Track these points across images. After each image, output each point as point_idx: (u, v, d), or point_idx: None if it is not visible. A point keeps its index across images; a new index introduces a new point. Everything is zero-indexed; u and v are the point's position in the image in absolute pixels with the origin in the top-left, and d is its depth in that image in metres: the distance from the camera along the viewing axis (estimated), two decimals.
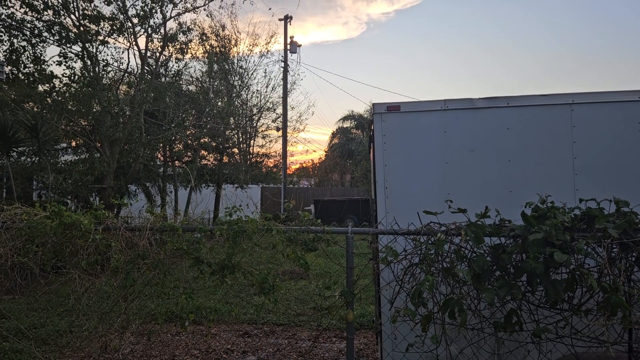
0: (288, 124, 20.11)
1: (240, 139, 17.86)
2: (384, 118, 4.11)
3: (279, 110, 19.70)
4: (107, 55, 19.89)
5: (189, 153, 14.37)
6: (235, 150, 17.35)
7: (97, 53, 8.80)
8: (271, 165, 18.97)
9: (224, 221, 3.49)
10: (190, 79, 14.15)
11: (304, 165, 40.65)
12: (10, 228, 3.33)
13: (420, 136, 4.03)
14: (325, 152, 36.10)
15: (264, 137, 17.89)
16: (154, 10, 9.30)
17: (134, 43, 9.43)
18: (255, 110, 17.69)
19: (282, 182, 22.23)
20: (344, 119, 35.02)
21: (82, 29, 8.73)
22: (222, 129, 13.45)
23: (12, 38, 8.38)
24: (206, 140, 14.23)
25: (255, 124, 18.25)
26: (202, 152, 15.24)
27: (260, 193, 23.26)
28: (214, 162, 15.80)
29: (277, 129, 18.48)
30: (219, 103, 14.58)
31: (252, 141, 18.87)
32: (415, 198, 3.83)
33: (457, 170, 3.89)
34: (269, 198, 23.45)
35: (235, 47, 16.49)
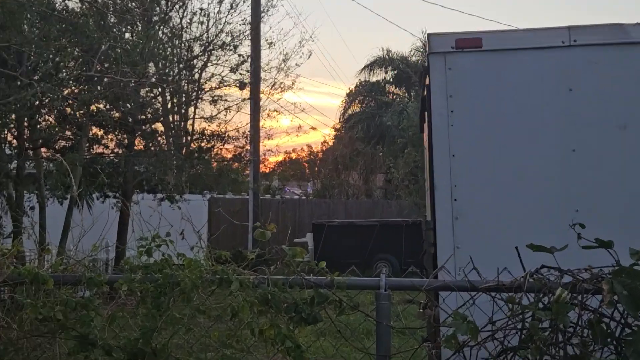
0: (263, 75, 20.18)
1: (171, 106, 17.93)
2: (451, 62, 4.12)
3: (247, 49, 19.77)
4: None
5: (68, 133, 14.41)
6: (160, 127, 17.41)
7: None
8: (230, 156, 19.03)
9: (136, 265, 3.49)
10: None
11: (295, 156, 40.91)
12: None
13: (520, 97, 4.03)
14: (336, 130, 36.28)
15: (214, 101, 17.93)
16: None
17: None
18: (198, 49, 17.78)
19: (251, 189, 22.31)
20: (371, 66, 35.25)
21: None
22: (133, 85, 13.48)
23: None
24: (102, 107, 14.27)
25: (198, 76, 18.31)
26: (95, 130, 15.27)
27: (209, 210, 23.32)
28: (117, 150, 15.84)
29: (241, 85, 18.51)
30: (127, 35, 14.63)
31: (192, 110, 18.94)
32: (510, 218, 3.89)
33: (594, 163, 3.90)
34: (226, 219, 23.46)
35: None
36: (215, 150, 18.31)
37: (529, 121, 4.16)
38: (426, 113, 4.55)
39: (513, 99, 4.15)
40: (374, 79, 35.72)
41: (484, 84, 4.18)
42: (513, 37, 4.21)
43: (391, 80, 35.73)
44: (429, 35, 4.14)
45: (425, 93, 4.86)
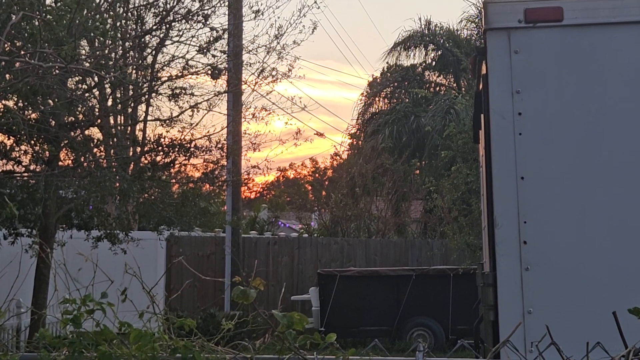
0: (246, 58, 20.18)
1: (112, 103, 17.94)
2: (519, 42, 4.24)
3: (222, 20, 19.83)
4: None
5: None
6: (97, 133, 17.44)
7: None
8: (198, 174, 19.06)
9: (58, 340, 3.50)
10: None
11: (293, 174, 40.99)
12: None
13: (623, 94, 4.09)
14: (351, 136, 36.20)
15: (175, 96, 18.00)
16: None
17: None
18: (152, 20, 17.86)
19: (228, 223, 22.29)
20: (405, 44, 35.31)
21: None
22: (58, 73, 13.55)
23: None
24: (12, 105, 14.33)
25: (152, 60, 18.38)
26: (2, 138, 15.30)
27: (167, 254, 23.29)
28: (34, 167, 15.87)
29: (215, 73, 18.54)
30: (49, 0, 14.73)
31: (143, 108, 18.94)
32: (603, 270, 3.96)
33: None
34: (191, 268, 23.37)
35: None
36: (177, 166, 18.35)
37: (636, 130, 4.14)
38: (482, 116, 4.54)
39: (612, 96, 4.13)
40: (407, 62, 35.87)
41: (567, 75, 4.18)
42: (610, 6, 4.20)
43: (433, 64, 35.86)
44: (486, 3, 4.13)
45: (480, 87, 4.85)
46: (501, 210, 4.16)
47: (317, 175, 38.59)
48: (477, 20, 34.54)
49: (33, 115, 14.97)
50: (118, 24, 16.76)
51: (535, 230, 4.11)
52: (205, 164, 18.92)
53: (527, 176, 4.14)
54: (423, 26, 35.22)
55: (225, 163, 19.77)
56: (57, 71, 13.04)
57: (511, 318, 3.97)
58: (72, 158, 16.25)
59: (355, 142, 36.42)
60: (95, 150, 17.15)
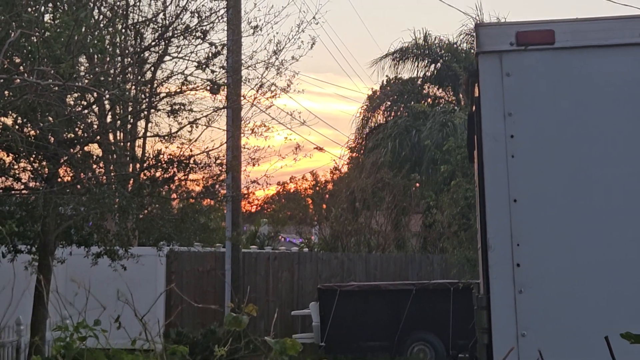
0: (245, 74, 20.18)
1: (112, 119, 17.94)
2: (510, 64, 4.24)
3: (221, 36, 19.85)
4: None
5: None
6: (96, 149, 17.42)
7: None
8: (198, 188, 19.06)
9: None
10: None
11: (294, 186, 40.92)
12: None
13: (616, 116, 4.02)
14: (351, 150, 36.21)
15: (174, 112, 18.01)
16: None
17: None
18: (151, 36, 17.88)
19: (228, 239, 22.28)
20: (401, 55, 35.30)
21: None
22: (57, 90, 13.56)
23: None
24: (10, 122, 14.32)
25: (152, 76, 18.39)
26: (0, 155, 15.30)
27: (167, 269, 23.27)
28: (33, 184, 15.87)
29: (214, 88, 18.55)
30: (48, 18, 14.74)
31: (142, 124, 18.94)
32: (597, 294, 3.92)
33: None
34: (192, 282, 23.42)
35: None
36: (176, 182, 18.33)
37: (631, 154, 4.13)
38: (475, 137, 4.54)
39: (604, 118, 4.13)
40: (406, 75, 35.91)
41: (559, 97, 4.18)
42: (601, 28, 4.22)
43: (432, 77, 35.89)
44: (478, 26, 4.14)
45: (473, 109, 4.85)
46: (494, 233, 4.17)
47: (317, 188, 38.54)
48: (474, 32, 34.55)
49: (32, 132, 14.96)
50: (116, 40, 16.79)
51: (528, 253, 4.11)
52: (204, 178, 18.93)
53: (519, 199, 4.15)
54: (419, 38, 35.29)
55: (224, 177, 19.75)
56: (55, 88, 13.04)
57: (505, 341, 3.98)
58: (71, 175, 16.25)
59: (355, 156, 36.42)
60: (94, 167, 17.15)
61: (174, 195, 19.26)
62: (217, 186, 19.56)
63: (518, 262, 4.07)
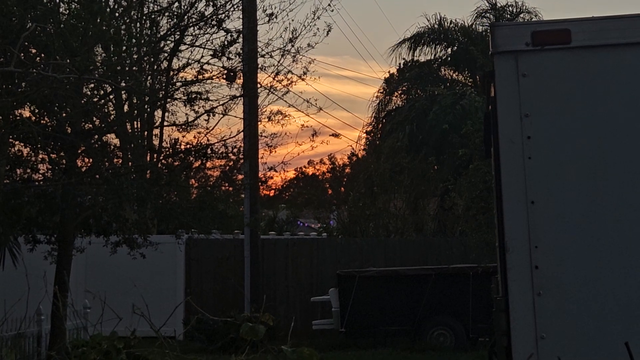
0: (261, 62, 20.12)
1: (128, 109, 17.93)
2: (526, 65, 4.22)
3: (237, 24, 19.80)
4: None
5: None
6: (114, 139, 17.44)
7: None
8: (213, 178, 19.07)
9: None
10: None
11: (311, 170, 40.87)
12: None
13: (635, 116, 4.24)
14: (368, 134, 36.15)
15: (191, 101, 17.98)
16: None
17: None
18: (167, 25, 17.85)
19: (247, 225, 22.30)
20: (417, 40, 35.21)
21: None
22: (72, 82, 13.55)
23: None
24: (28, 114, 14.33)
25: (168, 65, 18.36)
26: (18, 147, 15.32)
27: (186, 256, 23.34)
28: (51, 176, 15.88)
29: (230, 76, 18.53)
30: (63, 10, 14.73)
31: (159, 114, 18.94)
32: (616, 298, 3.91)
33: None
34: (211, 268, 23.47)
35: None
36: (194, 170, 18.34)
37: None
38: (492, 137, 4.50)
39: (622, 118, 4.08)
40: (422, 57, 35.81)
41: (576, 97, 4.14)
42: (617, 27, 4.16)
43: (448, 59, 35.78)
44: (493, 26, 4.10)
45: (489, 108, 4.80)
46: (512, 235, 4.13)
47: (336, 172, 38.50)
48: (491, 12, 34.48)
49: (49, 124, 14.96)
50: (132, 30, 16.77)
51: (546, 255, 4.07)
52: (222, 166, 18.91)
53: (537, 200, 4.11)
54: (435, 23, 35.18)
55: (241, 164, 19.76)
56: (71, 80, 13.04)
57: (524, 344, 3.95)
58: (88, 165, 16.26)
59: (372, 139, 36.35)
60: (112, 156, 17.16)
61: (192, 181, 19.31)
62: (235, 171, 19.59)
63: (536, 264, 4.04)
